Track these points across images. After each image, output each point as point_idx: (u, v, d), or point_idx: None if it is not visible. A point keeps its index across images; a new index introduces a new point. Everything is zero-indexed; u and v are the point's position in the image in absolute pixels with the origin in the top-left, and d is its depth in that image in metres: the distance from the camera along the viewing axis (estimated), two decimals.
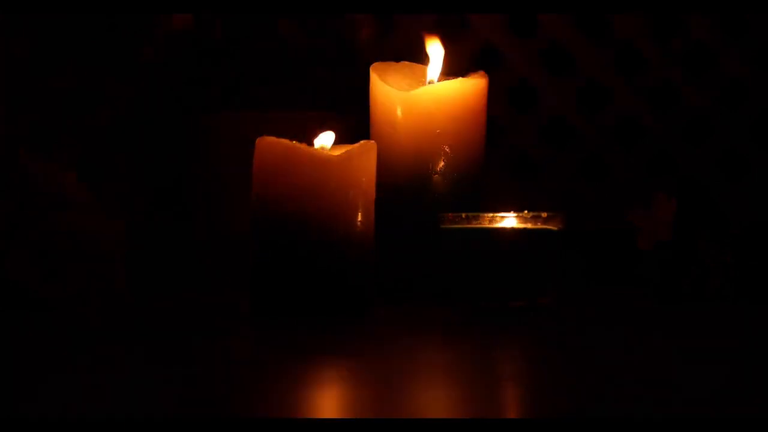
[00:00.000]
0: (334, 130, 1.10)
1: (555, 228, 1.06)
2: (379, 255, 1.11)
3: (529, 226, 1.06)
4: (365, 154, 1.07)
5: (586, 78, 1.59)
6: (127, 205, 1.57)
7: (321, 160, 1.05)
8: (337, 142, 1.10)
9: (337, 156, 1.06)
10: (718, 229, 1.23)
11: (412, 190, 1.17)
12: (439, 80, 1.20)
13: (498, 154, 1.58)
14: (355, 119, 1.34)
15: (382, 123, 1.18)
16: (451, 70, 1.20)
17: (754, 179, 1.57)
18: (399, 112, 1.17)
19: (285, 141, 1.05)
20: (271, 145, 1.05)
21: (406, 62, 1.22)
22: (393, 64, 1.22)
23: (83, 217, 1.19)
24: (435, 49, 1.20)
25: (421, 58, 1.23)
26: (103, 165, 1.59)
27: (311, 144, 1.08)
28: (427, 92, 1.18)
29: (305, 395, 0.71)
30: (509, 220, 1.06)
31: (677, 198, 1.24)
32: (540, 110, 1.60)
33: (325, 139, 1.09)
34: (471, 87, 1.18)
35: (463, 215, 1.07)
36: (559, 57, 1.59)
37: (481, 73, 1.19)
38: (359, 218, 1.06)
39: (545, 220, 1.06)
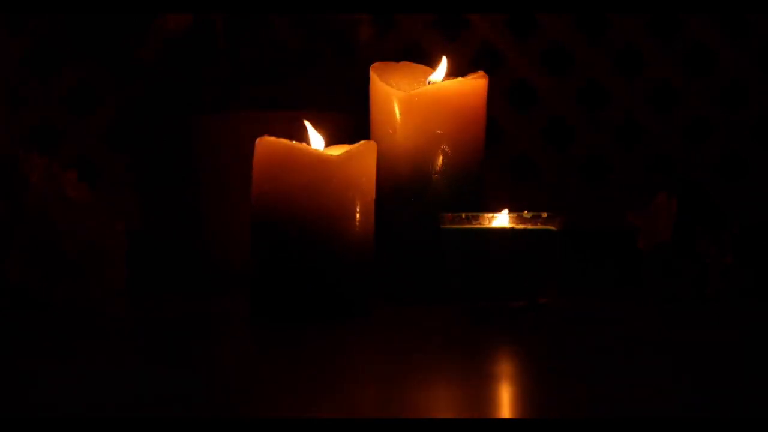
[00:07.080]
0: (334, 130, 1.10)
1: (555, 228, 1.06)
2: (379, 255, 1.11)
3: (529, 226, 1.06)
4: (365, 154, 1.07)
5: (586, 78, 1.59)
6: (127, 205, 1.57)
7: (321, 160, 1.05)
8: (337, 142, 1.10)
9: (337, 156, 1.06)
10: (718, 229, 1.23)
11: (412, 190, 1.17)
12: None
13: (498, 153, 1.58)
14: (355, 119, 1.34)
15: (382, 123, 1.18)
16: (451, 70, 1.20)
17: (754, 179, 1.57)
18: (399, 112, 1.17)
19: (285, 141, 1.05)
20: (271, 145, 1.05)
21: (406, 62, 1.22)
22: (393, 64, 1.22)
23: (83, 217, 1.19)
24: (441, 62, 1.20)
25: (422, 59, 1.23)
26: (103, 165, 1.59)
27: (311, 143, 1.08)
28: (427, 92, 1.17)
29: (305, 395, 0.71)
30: (509, 220, 1.06)
31: (677, 198, 1.24)
32: (540, 110, 1.60)
33: (316, 142, 1.09)
34: (471, 87, 1.18)
35: (463, 215, 1.07)
36: (559, 57, 1.59)
37: (481, 73, 1.19)
38: (359, 218, 1.06)
39: (545, 220, 1.06)
